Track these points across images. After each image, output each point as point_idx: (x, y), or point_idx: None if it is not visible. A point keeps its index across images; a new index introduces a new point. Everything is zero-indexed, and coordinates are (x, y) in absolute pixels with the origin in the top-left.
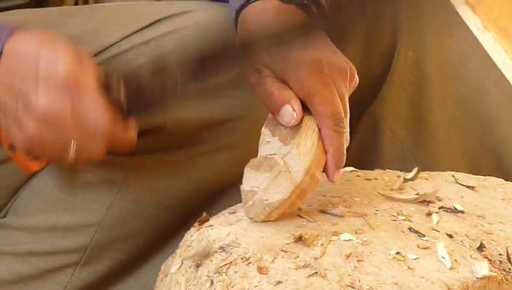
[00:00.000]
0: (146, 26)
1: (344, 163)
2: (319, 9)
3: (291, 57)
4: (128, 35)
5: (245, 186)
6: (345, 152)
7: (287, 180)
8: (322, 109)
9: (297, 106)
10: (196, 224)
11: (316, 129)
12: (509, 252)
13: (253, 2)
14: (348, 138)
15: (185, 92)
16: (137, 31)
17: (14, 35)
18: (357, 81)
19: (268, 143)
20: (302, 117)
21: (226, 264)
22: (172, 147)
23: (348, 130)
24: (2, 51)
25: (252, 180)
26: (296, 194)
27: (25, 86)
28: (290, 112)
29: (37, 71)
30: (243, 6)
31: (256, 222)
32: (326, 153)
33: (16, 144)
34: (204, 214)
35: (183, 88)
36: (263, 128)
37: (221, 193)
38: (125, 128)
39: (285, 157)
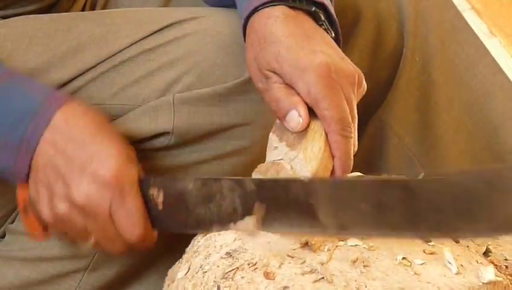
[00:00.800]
0: (154, 32)
1: (351, 168)
2: (327, 16)
3: (299, 62)
4: (137, 41)
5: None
6: (352, 157)
7: None
8: (328, 114)
9: (303, 111)
10: None
11: (323, 134)
12: None
13: (260, 9)
14: (356, 143)
15: (232, 226)
16: (146, 36)
17: (66, 106)
18: (365, 88)
19: (276, 149)
20: (309, 122)
21: (232, 270)
22: (180, 152)
23: (356, 135)
24: (50, 120)
25: None
26: None
27: (70, 172)
28: (296, 117)
29: (86, 162)
30: (251, 14)
31: None
32: (333, 157)
33: (40, 217)
34: None
35: (230, 222)
36: (271, 134)
37: None
38: (150, 238)
39: (292, 162)
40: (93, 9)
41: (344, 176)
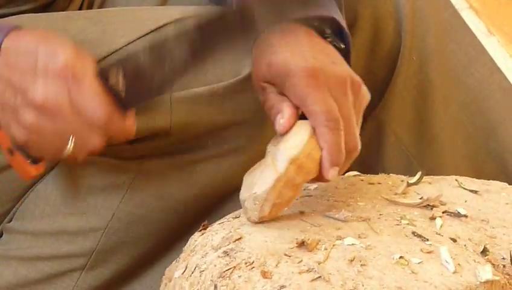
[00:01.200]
0: (152, 31)
1: (341, 161)
2: (337, 29)
3: (286, 67)
4: (133, 40)
5: (243, 194)
6: (342, 150)
7: (271, 170)
8: (313, 108)
9: (286, 112)
10: (199, 229)
11: (310, 129)
12: None
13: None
14: (359, 142)
15: (184, 70)
16: (143, 36)
17: (13, 32)
18: (367, 94)
19: (268, 153)
20: (293, 122)
21: (229, 269)
22: (177, 151)
23: (357, 135)
24: (0, 47)
25: (248, 188)
26: (283, 183)
27: (23, 80)
28: (279, 119)
29: (36, 64)
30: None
31: (254, 221)
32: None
33: (15, 140)
34: (206, 221)
35: (183, 65)
36: (268, 145)
37: (226, 197)
38: (123, 117)
39: (274, 154)
40: (90, 8)
41: None
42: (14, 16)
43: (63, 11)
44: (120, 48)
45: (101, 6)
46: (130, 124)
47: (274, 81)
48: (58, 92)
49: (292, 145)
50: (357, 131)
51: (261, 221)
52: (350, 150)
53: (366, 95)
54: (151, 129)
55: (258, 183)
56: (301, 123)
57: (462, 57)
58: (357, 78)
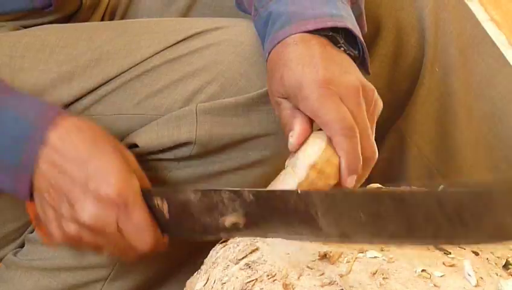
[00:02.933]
0: (177, 42)
1: (359, 168)
2: (352, 38)
3: (298, 80)
4: (160, 51)
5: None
6: (359, 157)
7: (292, 177)
8: (327, 118)
9: (297, 130)
10: (221, 241)
11: (326, 138)
12: None
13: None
14: (376, 151)
15: (236, 230)
16: (168, 46)
17: (59, 124)
18: (380, 104)
19: (287, 167)
20: (304, 136)
21: (251, 281)
22: (202, 162)
23: (374, 143)
24: (45, 139)
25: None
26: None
27: (72, 191)
28: (289, 137)
29: (87, 181)
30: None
31: None
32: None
33: (52, 237)
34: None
35: (234, 225)
36: (286, 162)
37: None
38: (162, 244)
39: (294, 164)
40: (112, 19)
41: (339, 188)
42: (40, 26)
43: (86, 21)
44: (146, 59)
45: (123, 16)
46: (165, 243)
47: (287, 95)
48: (106, 217)
49: (310, 153)
50: (373, 138)
51: None
52: (368, 157)
53: (379, 103)
54: (176, 140)
55: None
56: (316, 134)
57: (485, 69)
58: (370, 85)
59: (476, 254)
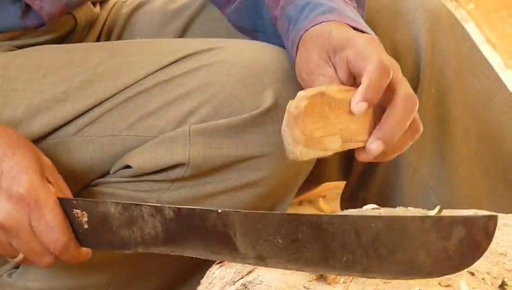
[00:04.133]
0: (170, 63)
1: (375, 99)
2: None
3: (350, 36)
4: (152, 72)
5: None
6: (380, 91)
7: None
8: (369, 58)
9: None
10: (217, 262)
11: None
12: None
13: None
14: (420, 126)
15: (155, 245)
16: (162, 68)
17: None
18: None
19: None
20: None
21: None
22: (195, 183)
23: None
24: None
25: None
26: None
27: None
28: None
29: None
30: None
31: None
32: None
33: None
34: None
35: (153, 241)
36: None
37: None
38: (79, 249)
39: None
40: (109, 40)
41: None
42: (34, 47)
43: (81, 41)
44: (139, 80)
45: (119, 37)
46: (85, 254)
47: (333, 49)
48: (18, 215)
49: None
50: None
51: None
52: (412, 128)
53: None
54: (169, 162)
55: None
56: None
57: (481, 90)
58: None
59: (472, 274)
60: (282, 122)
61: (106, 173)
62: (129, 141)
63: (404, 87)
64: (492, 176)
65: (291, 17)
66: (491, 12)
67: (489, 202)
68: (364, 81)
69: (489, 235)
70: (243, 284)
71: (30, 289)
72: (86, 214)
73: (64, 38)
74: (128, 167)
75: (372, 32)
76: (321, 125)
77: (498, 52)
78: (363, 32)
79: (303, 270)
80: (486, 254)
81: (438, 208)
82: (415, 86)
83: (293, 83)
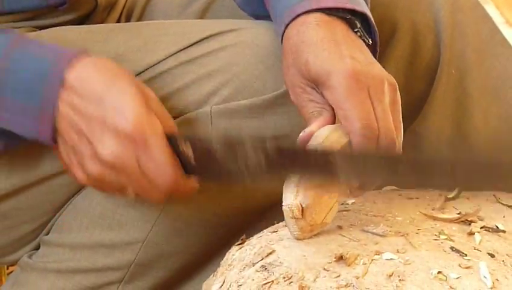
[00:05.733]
0: (192, 44)
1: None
2: (367, 26)
3: (325, 68)
4: (174, 53)
5: (285, 202)
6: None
7: None
8: (350, 113)
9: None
10: (238, 243)
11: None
12: None
13: (295, 18)
14: (398, 146)
15: (260, 176)
16: (183, 48)
17: (77, 64)
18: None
19: None
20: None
21: (267, 283)
22: None
23: (400, 141)
24: (64, 80)
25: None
26: None
27: (92, 130)
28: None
29: (105, 118)
30: (288, 24)
31: (296, 237)
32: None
33: (76, 179)
34: (244, 235)
35: (258, 172)
36: None
37: (263, 213)
38: (188, 183)
39: None
40: (129, 21)
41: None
42: (55, 28)
43: (102, 22)
44: (161, 61)
45: (139, 18)
46: (193, 187)
47: (312, 81)
48: (126, 153)
49: (320, 133)
50: (397, 134)
51: (302, 234)
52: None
53: (398, 95)
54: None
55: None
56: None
57: (501, 71)
58: (392, 79)
59: (492, 256)
60: None
61: None
62: None
63: (387, 121)
64: None
65: (274, 10)
66: None
67: (510, 183)
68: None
69: None
70: (263, 266)
71: (50, 270)
72: (191, 149)
73: (84, 19)
74: None
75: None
76: (322, 207)
77: None
78: (343, 10)
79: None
80: (506, 235)
81: (457, 189)
82: (435, 67)
83: None
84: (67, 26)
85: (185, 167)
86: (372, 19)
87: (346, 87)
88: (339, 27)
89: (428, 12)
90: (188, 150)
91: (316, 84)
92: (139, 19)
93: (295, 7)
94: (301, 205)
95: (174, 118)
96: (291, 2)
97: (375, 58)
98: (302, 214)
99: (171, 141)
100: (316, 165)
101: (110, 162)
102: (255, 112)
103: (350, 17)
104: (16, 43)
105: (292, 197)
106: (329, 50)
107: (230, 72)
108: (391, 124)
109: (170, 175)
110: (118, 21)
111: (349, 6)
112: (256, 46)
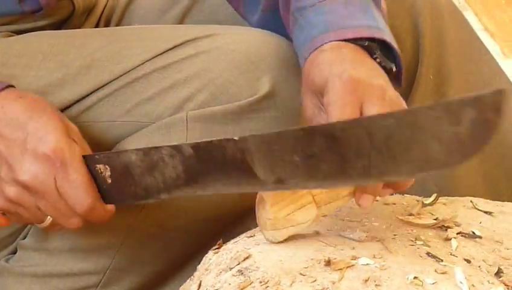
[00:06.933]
0: (168, 50)
1: None
2: (389, 51)
3: (327, 76)
4: (150, 59)
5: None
6: None
7: None
8: (334, 115)
9: None
10: (215, 247)
11: None
12: None
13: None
14: None
15: (176, 188)
16: (159, 54)
17: (2, 94)
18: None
19: None
20: None
21: (244, 288)
22: None
23: None
24: None
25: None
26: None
27: (11, 153)
28: None
29: (25, 142)
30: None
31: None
32: None
33: None
34: (221, 240)
35: (174, 183)
36: None
37: (239, 217)
38: (104, 207)
39: None
40: (108, 26)
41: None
42: (32, 33)
43: (79, 27)
44: (137, 66)
45: (118, 24)
46: (109, 212)
47: (317, 91)
48: (44, 175)
49: None
50: None
51: (266, 228)
52: None
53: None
54: None
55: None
56: None
57: (479, 77)
58: (394, 92)
59: (468, 261)
60: (278, 109)
61: None
62: (127, 127)
63: None
64: (489, 162)
65: (298, 40)
66: (489, 0)
67: (486, 190)
68: None
69: (498, 111)
70: (239, 271)
71: (26, 274)
72: (108, 168)
73: (62, 24)
74: None
75: (379, 17)
76: (287, 202)
77: (496, 40)
78: (361, 38)
79: (322, 187)
80: (482, 241)
81: (434, 195)
82: (413, 72)
83: (290, 71)
84: (44, 32)
85: (102, 187)
86: (395, 44)
87: (337, 90)
88: (351, 50)
89: (408, 17)
90: (104, 168)
91: (321, 92)
92: (118, 24)
93: (315, 41)
94: (261, 196)
95: (150, 123)
96: (311, 33)
97: (399, 84)
98: (263, 207)
99: (88, 161)
100: (234, 159)
101: (29, 184)
102: (230, 118)
103: (368, 43)
104: None
105: None
106: (332, 64)
107: (206, 77)
108: None
109: (86, 198)
110: (97, 26)
111: (366, 34)
112: (232, 52)
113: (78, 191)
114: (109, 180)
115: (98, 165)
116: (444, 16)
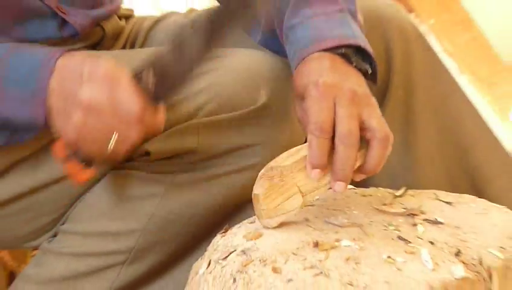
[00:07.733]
0: None
1: (321, 165)
2: (365, 54)
3: (306, 83)
4: None
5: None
6: (321, 156)
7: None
8: (310, 117)
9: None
10: (222, 231)
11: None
12: (481, 257)
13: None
14: (356, 158)
15: (201, 59)
16: None
17: (66, 54)
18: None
19: None
20: None
21: (246, 265)
22: (203, 167)
23: (355, 151)
24: (53, 69)
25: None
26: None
27: (73, 87)
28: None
29: (82, 74)
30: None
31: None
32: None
33: (68, 139)
34: (227, 225)
35: (199, 56)
36: None
37: (243, 205)
38: (155, 111)
39: None
40: (133, 47)
41: None
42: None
43: (110, 49)
44: None
45: (141, 46)
46: (160, 117)
47: (301, 96)
48: (100, 93)
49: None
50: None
51: (262, 217)
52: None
53: (375, 106)
54: (181, 148)
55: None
56: None
57: (440, 91)
58: (364, 91)
59: (432, 243)
60: (274, 116)
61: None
62: None
63: (345, 124)
64: (450, 162)
65: (290, 53)
66: (448, 27)
67: (448, 185)
68: (309, 147)
69: None
70: (242, 251)
71: (65, 254)
72: (151, 73)
73: (94, 46)
74: (148, 153)
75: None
76: (277, 194)
77: (454, 60)
78: (338, 47)
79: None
80: (443, 227)
81: (403, 189)
82: (385, 90)
83: (283, 84)
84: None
85: (149, 95)
86: (369, 47)
87: (313, 96)
88: (329, 59)
89: (381, 42)
90: (148, 75)
91: (303, 99)
92: (142, 46)
93: (301, 53)
94: (255, 193)
95: (168, 128)
96: (298, 47)
97: (375, 80)
98: (257, 200)
99: (136, 76)
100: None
101: (88, 102)
102: (234, 124)
103: (344, 50)
104: (13, 48)
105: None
106: (311, 73)
107: (214, 90)
108: (350, 127)
109: (137, 104)
110: (124, 47)
111: (342, 43)
112: (235, 70)
113: (129, 99)
114: (152, 86)
115: (143, 76)
116: (411, 40)
